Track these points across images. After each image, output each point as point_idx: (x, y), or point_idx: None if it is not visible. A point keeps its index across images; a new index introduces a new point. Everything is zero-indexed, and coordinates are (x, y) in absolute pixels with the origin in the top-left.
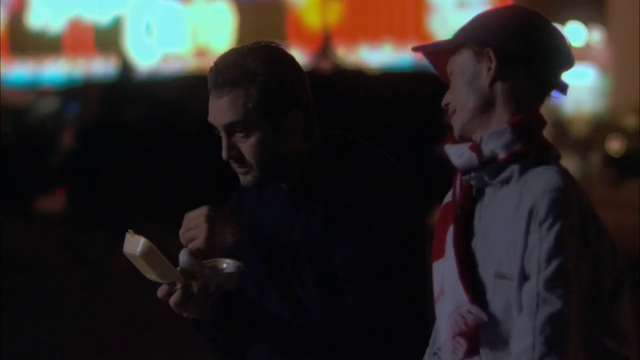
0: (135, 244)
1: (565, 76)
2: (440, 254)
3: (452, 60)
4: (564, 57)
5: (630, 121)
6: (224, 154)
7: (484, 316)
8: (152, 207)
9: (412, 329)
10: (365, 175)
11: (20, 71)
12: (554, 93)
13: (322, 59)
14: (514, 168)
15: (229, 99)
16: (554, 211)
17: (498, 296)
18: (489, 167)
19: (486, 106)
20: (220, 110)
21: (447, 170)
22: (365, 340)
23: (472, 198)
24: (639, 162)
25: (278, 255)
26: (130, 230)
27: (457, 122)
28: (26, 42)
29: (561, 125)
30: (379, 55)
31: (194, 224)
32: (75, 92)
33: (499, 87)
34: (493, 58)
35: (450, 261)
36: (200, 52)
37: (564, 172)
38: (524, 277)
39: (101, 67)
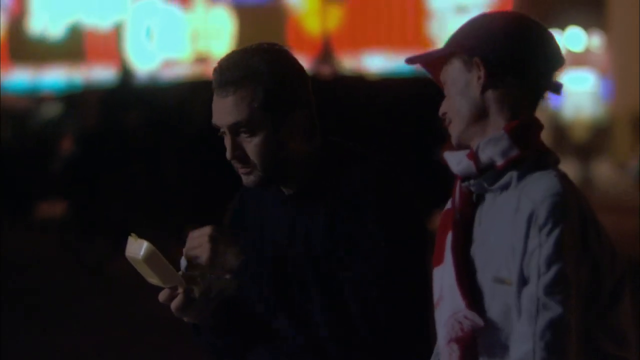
0: (138, 248)
1: (565, 81)
2: (440, 260)
3: (444, 70)
4: (553, 58)
5: None
6: (229, 154)
7: (480, 322)
8: (152, 212)
9: (417, 341)
10: (368, 189)
11: (20, 77)
12: (550, 94)
13: (322, 65)
14: (513, 174)
15: (234, 98)
16: (554, 216)
17: (496, 301)
18: (487, 173)
19: (480, 114)
20: (225, 110)
21: (447, 175)
22: (373, 355)
23: (472, 204)
24: None
25: (282, 272)
26: (133, 234)
27: (454, 132)
28: (26, 48)
29: (561, 130)
30: (380, 61)
31: (198, 243)
32: (75, 97)
33: (490, 95)
34: (482, 67)
35: (449, 267)
36: (200, 58)
37: (563, 177)
38: (523, 282)
39: (101, 72)
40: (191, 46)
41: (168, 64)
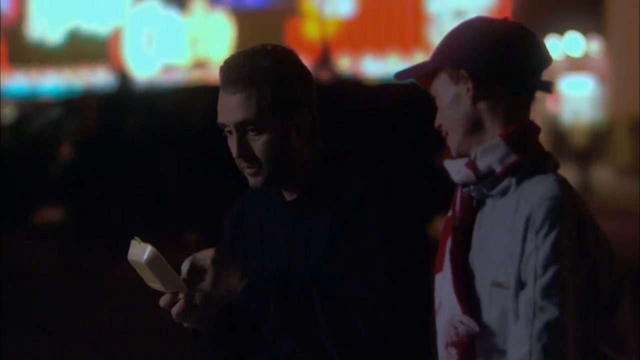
0: (141, 252)
1: (564, 86)
2: (441, 267)
3: (433, 84)
4: (539, 58)
5: None
6: (235, 152)
7: (475, 326)
8: (151, 217)
9: (419, 346)
10: (368, 193)
11: (19, 82)
12: (543, 95)
13: (321, 70)
14: (511, 179)
15: (242, 96)
16: (551, 219)
17: (494, 305)
18: (486, 180)
19: (475, 125)
20: (233, 108)
21: (446, 180)
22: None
23: (473, 209)
24: None
25: (285, 291)
26: (136, 238)
27: (452, 144)
28: (25, 53)
29: (560, 135)
30: (381, 66)
31: (200, 267)
32: (74, 102)
33: (482, 105)
34: (469, 79)
35: (448, 272)
36: (199, 63)
37: (561, 181)
38: (520, 285)
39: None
40: (190, 51)
41: (167, 69)
